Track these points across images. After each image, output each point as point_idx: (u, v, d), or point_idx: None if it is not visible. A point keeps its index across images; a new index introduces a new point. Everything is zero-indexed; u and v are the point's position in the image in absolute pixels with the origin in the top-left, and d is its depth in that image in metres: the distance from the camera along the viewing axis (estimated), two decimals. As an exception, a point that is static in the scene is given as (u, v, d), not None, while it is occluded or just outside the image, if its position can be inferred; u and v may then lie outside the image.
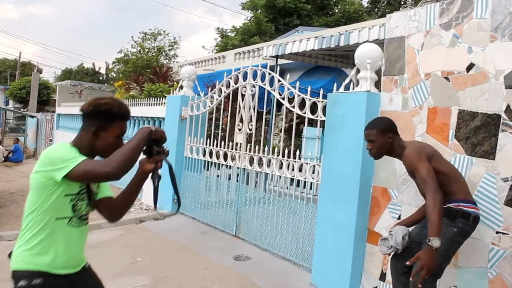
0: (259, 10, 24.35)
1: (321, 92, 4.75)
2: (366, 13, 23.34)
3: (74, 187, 1.96)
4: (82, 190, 2.01)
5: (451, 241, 2.95)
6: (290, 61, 10.08)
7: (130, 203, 2.12)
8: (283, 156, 5.27)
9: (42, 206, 1.92)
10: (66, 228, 1.98)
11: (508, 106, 3.23)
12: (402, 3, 20.89)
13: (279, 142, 7.55)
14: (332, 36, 6.79)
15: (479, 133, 3.38)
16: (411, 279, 2.79)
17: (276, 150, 5.43)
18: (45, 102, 25.19)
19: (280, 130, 8.34)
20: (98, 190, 2.15)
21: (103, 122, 1.99)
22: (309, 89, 4.98)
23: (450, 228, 2.94)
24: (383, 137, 3.18)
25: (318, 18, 23.72)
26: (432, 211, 2.70)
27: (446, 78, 3.62)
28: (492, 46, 3.34)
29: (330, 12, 24.98)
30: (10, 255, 2.03)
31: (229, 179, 6.53)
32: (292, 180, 5.32)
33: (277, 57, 8.88)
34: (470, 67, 3.46)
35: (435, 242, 2.61)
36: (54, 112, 17.58)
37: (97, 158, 2.05)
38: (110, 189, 2.22)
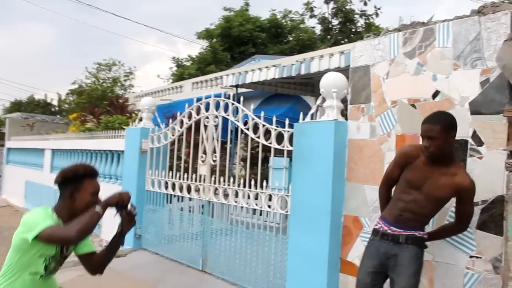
0: (215, 39, 24.47)
1: (287, 121, 4.72)
2: (319, 41, 23.79)
3: (50, 249, 2.20)
4: (57, 253, 2.25)
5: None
6: (249, 90, 10.10)
7: (111, 258, 2.39)
8: (249, 187, 5.17)
9: (17, 262, 2.17)
10: (36, 282, 2.21)
11: (474, 132, 3.28)
12: (353, 30, 21.52)
13: (240, 171, 7.44)
14: (293, 64, 6.84)
15: (447, 159, 3.41)
16: None
17: (242, 180, 5.32)
18: (-7, 136, 24.17)
19: (243, 159, 8.26)
20: (78, 247, 2.38)
21: (74, 185, 2.25)
22: (274, 119, 4.94)
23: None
24: (446, 136, 2.84)
25: (273, 46, 24.05)
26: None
27: (413, 106, 3.66)
28: (455, 73, 3.41)
29: (285, 40, 25.37)
30: None
31: (192, 211, 6.36)
32: (260, 210, 5.22)
33: (237, 86, 8.87)
34: (435, 94, 3.52)
35: None
36: (3, 146, 16.87)
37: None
38: (93, 245, 2.45)
